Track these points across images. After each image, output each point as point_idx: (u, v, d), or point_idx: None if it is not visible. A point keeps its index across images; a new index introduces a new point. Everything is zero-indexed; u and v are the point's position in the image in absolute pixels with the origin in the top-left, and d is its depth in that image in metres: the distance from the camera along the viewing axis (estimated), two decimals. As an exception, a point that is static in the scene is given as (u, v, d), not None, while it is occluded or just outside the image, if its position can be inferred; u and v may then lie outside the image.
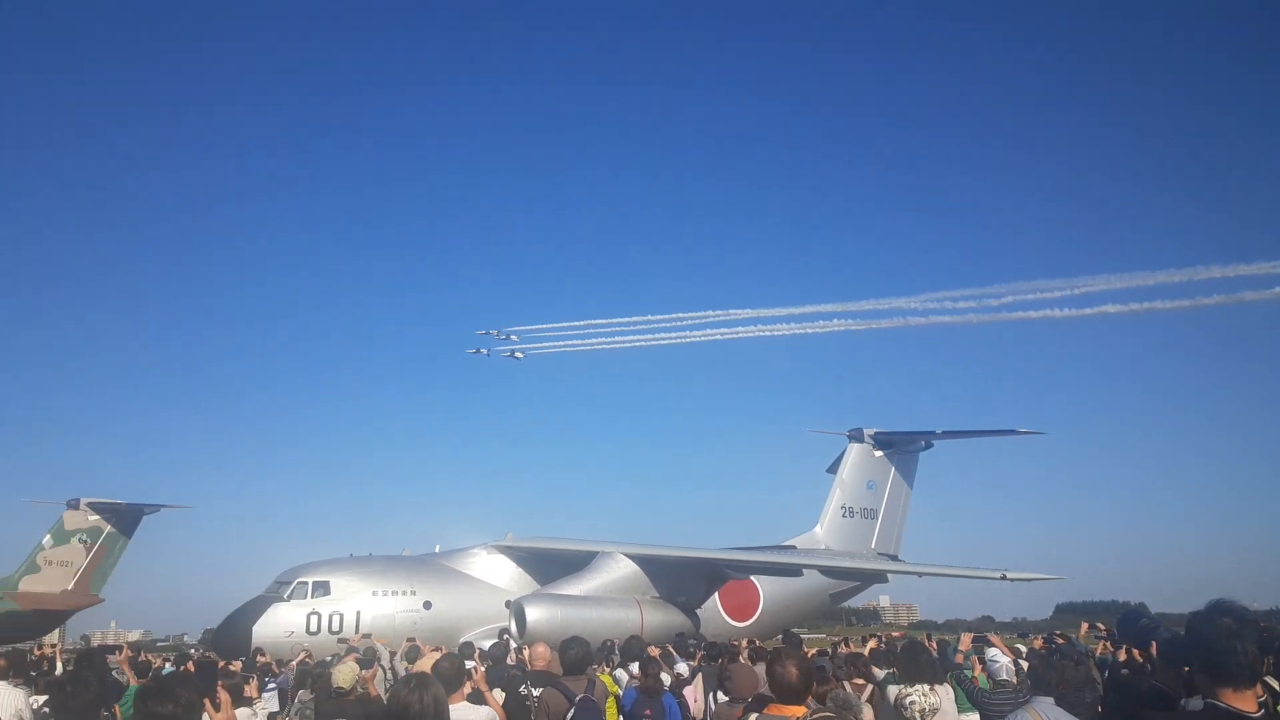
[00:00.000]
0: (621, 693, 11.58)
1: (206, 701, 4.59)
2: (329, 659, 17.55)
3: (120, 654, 16.67)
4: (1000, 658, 10.96)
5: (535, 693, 9.90)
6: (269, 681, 17.24)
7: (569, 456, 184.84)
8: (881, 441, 39.35)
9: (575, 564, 29.27)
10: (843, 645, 21.22)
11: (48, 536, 42.45)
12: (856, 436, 39.24)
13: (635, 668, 13.29)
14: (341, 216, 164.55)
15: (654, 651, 14.21)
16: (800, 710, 5.51)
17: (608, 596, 28.05)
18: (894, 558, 38.90)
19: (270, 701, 15.81)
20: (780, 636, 30.69)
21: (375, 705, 9.66)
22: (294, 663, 19.42)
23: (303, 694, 13.05)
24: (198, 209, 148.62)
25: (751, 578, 33.79)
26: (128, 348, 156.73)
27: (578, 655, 9.97)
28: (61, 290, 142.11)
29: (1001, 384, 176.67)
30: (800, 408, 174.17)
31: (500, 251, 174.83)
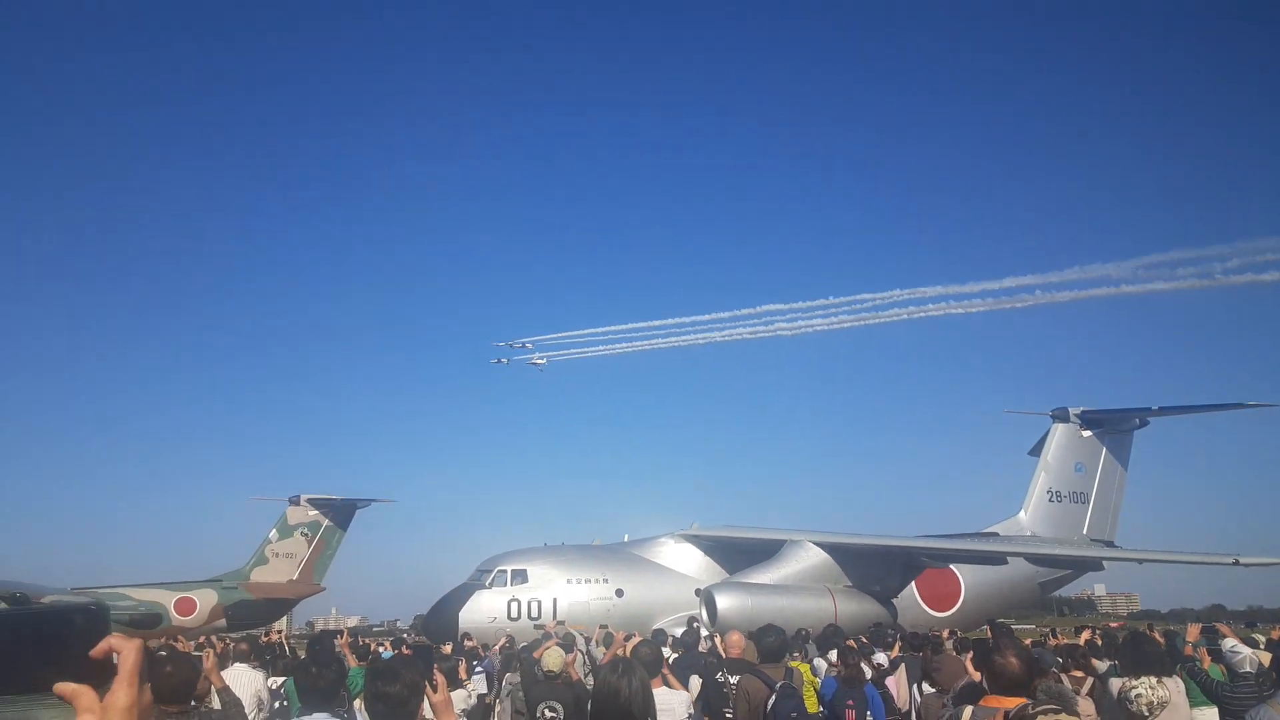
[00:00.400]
0: (820, 682, 11.35)
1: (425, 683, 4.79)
2: (525, 644, 18.14)
3: (341, 638, 17.77)
4: (1241, 649, 10.04)
5: (733, 680, 9.81)
6: (476, 665, 17.97)
7: (752, 446, 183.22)
8: (1089, 421, 36.89)
9: (763, 553, 29.07)
10: (1051, 637, 20.09)
11: (273, 531, 46.10)
12: (1061, 416, 36.95)
13: (834, 656, 13.03)
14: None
15: (850, 642, 13.91)
16: (1018, 702, 5.19)
17: (798, 585, 27.72)
18: (1109, 543, 36.40)
19: (479, 684, 16.46)
20: (985, 627, 29.43)
21: (580, 689, 9.88)
22: (496, 647, 20.24)
23: (510, 676, 13.55)
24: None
25: (951, 566, 32.57)
26: (329, 359, 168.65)
27: (776, 643, 9.83)
28: (276, 312, 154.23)
29: (1223, 355, 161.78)
30: (995, 388, 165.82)
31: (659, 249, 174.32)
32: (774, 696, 8.75)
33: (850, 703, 10.30)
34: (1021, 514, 36.38)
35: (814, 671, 12.68)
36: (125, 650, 1.30)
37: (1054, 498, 36.42)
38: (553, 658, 9.59)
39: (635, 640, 11.98)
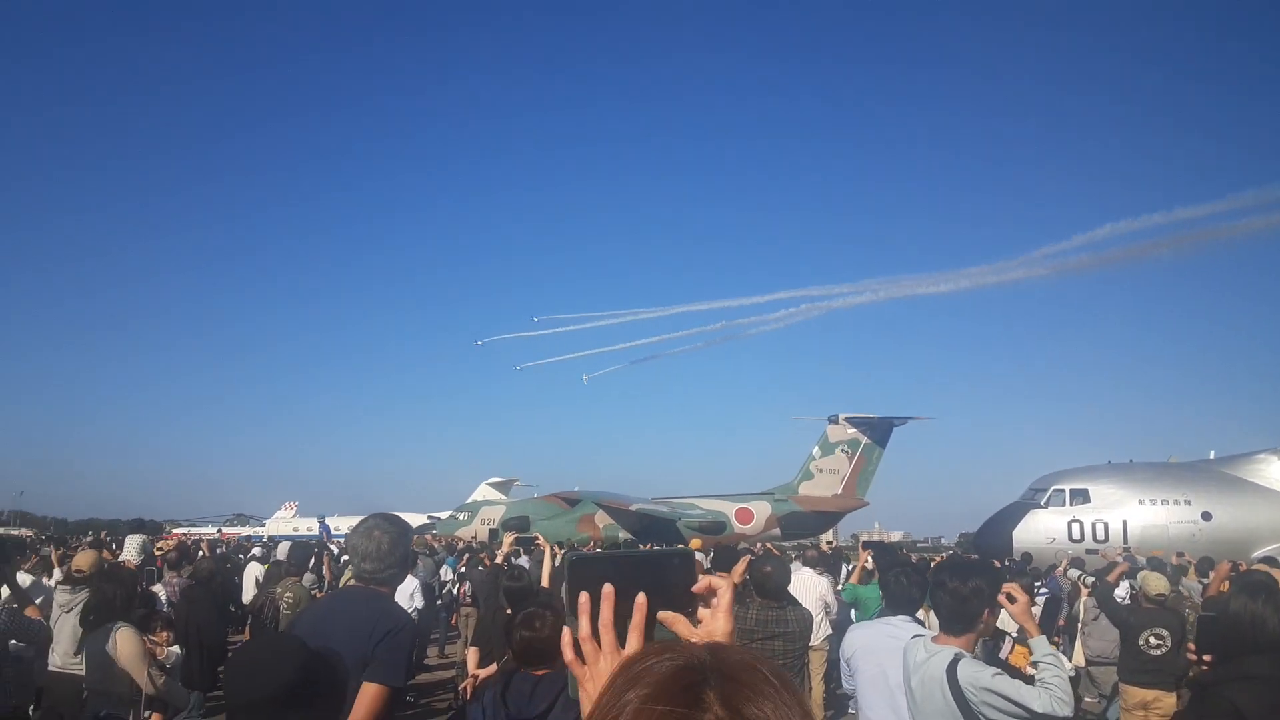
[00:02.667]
0: None
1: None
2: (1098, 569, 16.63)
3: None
4: None
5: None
6: (1039, 585, 17.00)
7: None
8: None
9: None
10: None
11: (816, 448, 48.42)
12: None
13: None
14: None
15: None
16: None
17: None
18: None
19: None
20: None
21: (1183, 616, 8.84)
22: (1059, 569, 18.91)
23: (1088, 602, 12.47)
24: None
25: None
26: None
27: None
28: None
29: None
30: None
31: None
32: None
33: None
34: None
35: None
36: (722, 586, 1.45)
37: None
38: (1158, 582, 8.58)
39: (1246, 567, 10.34)
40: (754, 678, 1.02)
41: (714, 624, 1.42)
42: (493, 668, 7.45)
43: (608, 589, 1.40)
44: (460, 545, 27.09)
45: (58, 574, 10.82)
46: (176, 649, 7.42)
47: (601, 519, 44.90)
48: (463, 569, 17.98)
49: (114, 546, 16.72)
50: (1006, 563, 19.29)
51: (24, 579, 8.79)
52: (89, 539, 24.25)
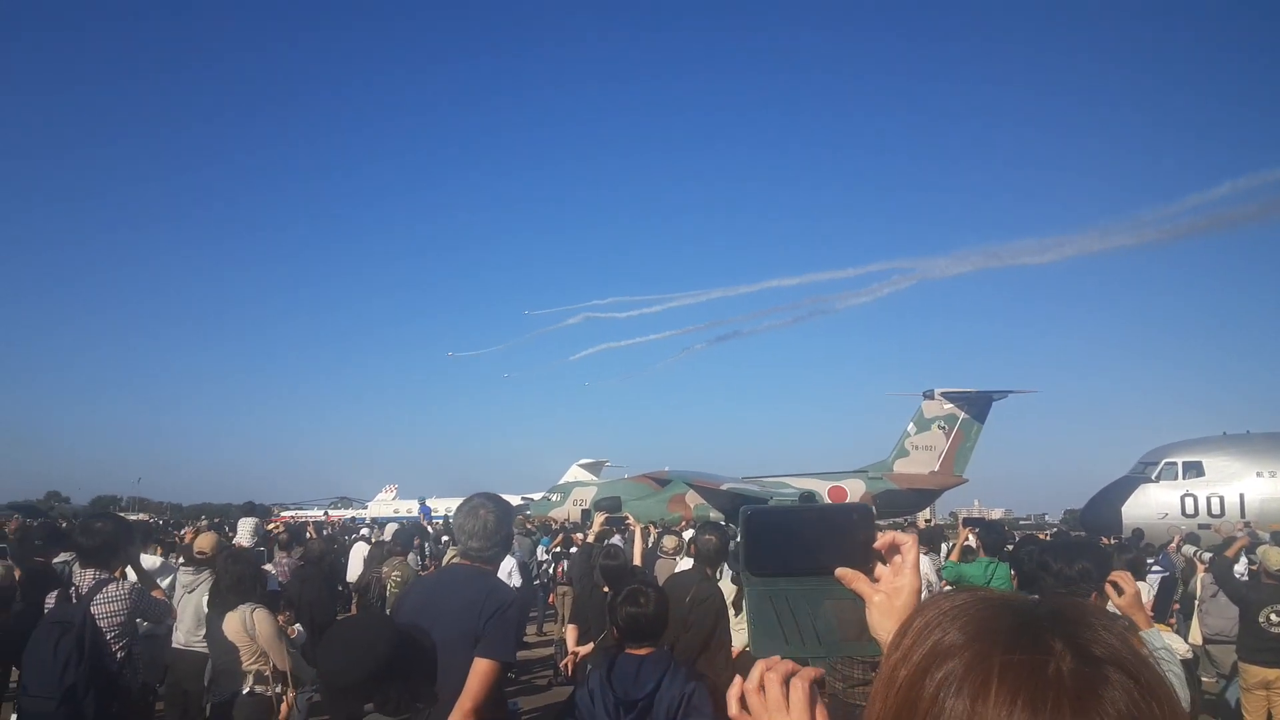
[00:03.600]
0: None
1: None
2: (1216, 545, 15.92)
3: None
4: None
5: None
6: (1152, 563, 16.38)
7: None
8: None
9: None
10: None
11: (911, 424, 47.26)
12: None
13: None
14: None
15: None
16: None
17: None
18: None
19: (1152, 583, 14.95)
20: None
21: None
22: (1172, 545, 18.23)
23: (1205, 578, 11.98)
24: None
25: None
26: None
27: None
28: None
29: None
30: None
31: None
32: None
33: None
34: None
35: None
36: (906, 543, 1.40)
37: None
38: (1277, 555, 8.17)
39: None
40: (1088, 615, 0.94)
41: (899, 581, 1.36)
42: (590, 645, 7.58)
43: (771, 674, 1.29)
44: (555, 526, 27.48)
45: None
46: (299, 626, 7.71)
47: (692, 499, 44.84)
48: (557, 548, 18.27)
49: (227, 530, 17.50)
50: (1114, 540, 18.62)
51: (151, 561, 9.24)
52: (203, 522, 25.39)
